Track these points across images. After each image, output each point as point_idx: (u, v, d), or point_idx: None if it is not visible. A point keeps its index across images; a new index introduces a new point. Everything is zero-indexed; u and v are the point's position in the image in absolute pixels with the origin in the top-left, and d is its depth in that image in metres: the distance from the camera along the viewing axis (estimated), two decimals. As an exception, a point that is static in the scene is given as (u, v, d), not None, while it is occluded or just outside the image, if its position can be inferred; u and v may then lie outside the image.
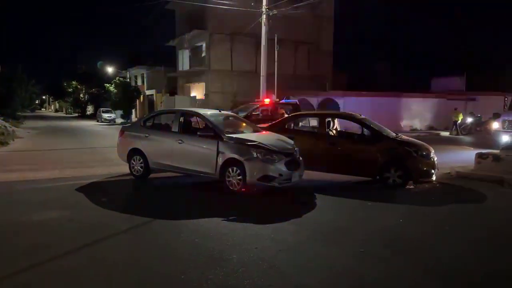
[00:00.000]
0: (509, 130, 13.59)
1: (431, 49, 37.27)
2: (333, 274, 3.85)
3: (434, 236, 5.08)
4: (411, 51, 39.71)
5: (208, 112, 8.44)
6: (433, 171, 7.89)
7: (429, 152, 8.00)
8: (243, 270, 3.83)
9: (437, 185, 8.11)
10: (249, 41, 29.76)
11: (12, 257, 4.15)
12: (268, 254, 4.25)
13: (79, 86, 54.85)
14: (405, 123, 25.30)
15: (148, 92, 40.34)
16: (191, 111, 8.63)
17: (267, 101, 14.24)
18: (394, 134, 8.55)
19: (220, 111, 8.75)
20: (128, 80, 41.66)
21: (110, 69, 40.86)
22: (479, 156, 9.08)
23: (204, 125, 8.20)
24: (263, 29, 19.14)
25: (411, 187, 7.87)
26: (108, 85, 36.56)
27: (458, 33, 36.48)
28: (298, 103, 13.84)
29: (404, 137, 8.66)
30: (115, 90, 36.32)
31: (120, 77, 39.37)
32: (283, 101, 14.56)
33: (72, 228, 5.11)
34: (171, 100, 31.70)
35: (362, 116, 8.86)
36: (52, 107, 77.79)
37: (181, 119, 8.16)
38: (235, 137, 7.32)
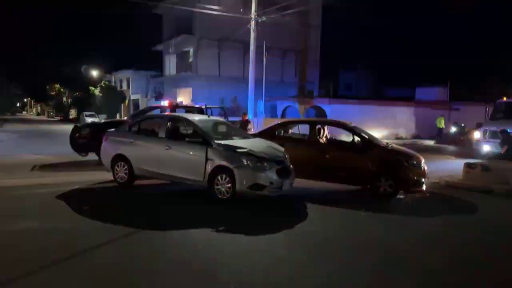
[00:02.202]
0: (490, 140, 13.71)
1: (415, 59, 37.98)
2: (325, 286, 3.67)
3: (428, 247, 4.97)
4: (396, 60, 40.38)
5: (196, 117, 8.21)
6: (423, 180, 7.83)
7: (420, 161, 7.95)
8: (239, 285, 3.61)
9: (427, 194, 8.06)
10: (237, 47, 29.73)
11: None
12: (261, 269, 4.04)
13: (62, 89, 53.67)
14: (390, 132, 25.53)
15: (133, 97, 39.76)
16: (179, 116, 8.38)
17: (165, 103, 13.17)
18: (384, 143, 8.48)
19: (209, 117, 8.53)
20: (113, 84, 40.98)
21: (95, 73, 40.12)
22: (468, 165, 9.11)
23: (192, 131, 7.96)
24: (252, 36, 19.08)
25: (402, 196, 7.79)
26: (93, 88, 35.84)
27: (442, 44, 37.33)
28: (204, 106, 12.97)
29: (395, 146, 8.60)
30: (101, 94, 35.64)
31: (105, 80, 38.68)
32: (203, 105, 13.52)
33: (51, 240, 4.79)
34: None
35: (353, 124, 8.78)
36: (34, 110, 75.92)
37: (169, 124, 7.90)
38: (225, 144, 7.10)
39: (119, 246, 4.68)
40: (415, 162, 7.85)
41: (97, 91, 36.59)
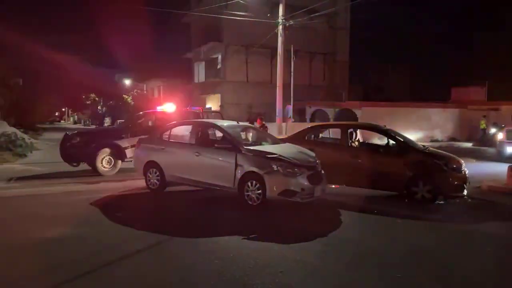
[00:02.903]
0: None
1: (451, 58, 36.50)
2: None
3: (477, 259, 4.63)
4: (431, 60, 38.96)
5: (225, 123, 8.19)
6: (464, 185, 7.40)
7: (460, 165, 7.53)
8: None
9: (469, 200, 7.60)
10: (264, 53, 29.71)
11: (29, 277, 3.90)
12: (295, 279, 3.89)
13: (97, 98, 55.80)
14: (425, 134, 24.58)
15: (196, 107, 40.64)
16: (208, 122, 8.40)
17: (161, 108, 12.49)
18: (421, 146, 8.10)
19: (238, 123, 8.49)
20: (145, 92, 42.16)
21: (127, 81, 41.46)
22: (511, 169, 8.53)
23: (221, 137, 7.94)
24: (279, 40, 18.97)
25: (441, 202, 7.38)
26: (126, 96, 37.02)
27: (479, 42, 35.64)
28: (200, 111, 12.89)
29: (433, 149, 8.20)
30: (133, 102, 36.75)
31: (137, 89, 39.87)
32: (188, 108, 13.69)
33: (86, 247, 4.87)
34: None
35: (387, 127, 8.46)
36: (71, 120, 79.43)
37: (198, 130, 7.94)
38: (254, 149, 7.02)
39: (152, 254, 4.67)
40: (454, 166, 7.44)
41: (129, 99, 37.73)
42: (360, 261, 4.47)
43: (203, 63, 34.11)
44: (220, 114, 16.41)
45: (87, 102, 58.85)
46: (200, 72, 35.12)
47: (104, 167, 10.20)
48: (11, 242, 5.02)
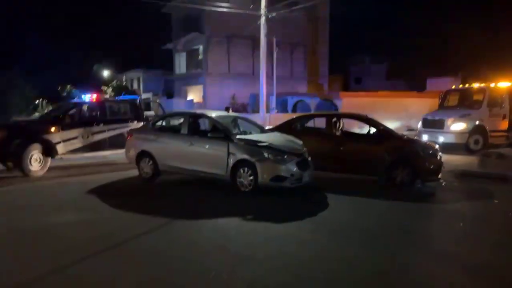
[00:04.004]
0: (427, 129, 13.52)
1: (426, 49, 37.70)
2: (358, 267, 3.95)
3: (449, 232, 5.20)
4: (405, 52, 40.11)
5: (215, 114, 8.49)
6: (439, 169, 8.02)
7: (436, 150, 8.14)
8: (270, 266, 3.93)
9: (444, 183, 8.25)
10: (246, 44, 29.91)
11: (37, 261, 4.18)
12: (292, 251, 4.35)
13: (73, 90, 54.51)
14: (402, 124, 25.53)
15: (144, 95, 40.27)
16: (200, 113, 8.69)
17: (88, 97, 11.10)
18: (400, 134, 8.67)
19: (228, 112, 8.81)
20: (124, 83, 41.53)
21: (106, 72, 40.71)
22: (484, 154, 9.25)
23: (211, 127, 8.23)
24: (262, 32, 19.23)
25: (418, 185, 7.98)
26: (105, 87, 36.40)
27: (453, 34, 36.92)
28: (138, 99, 11.87)
29: (410, 136, 8.78)
30: (113, 93, 36.20)
31: (116, 80, 39.22)
32: (121, 97, 12.39)
33: (91, 231, 5.14)
34: (169, 103, 31.66)
35: (369, 116, 8.98)
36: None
37: (190, 121, 8.22)
38: (246, 138, 7.39)
39: (158, 235, 5.00)
40: (430, 151, 8.03)
41: (109, 91, 37.13)
42: (345, 234, 4.96)
43: (184, 54, 33.95)
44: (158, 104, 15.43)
45: (63, 94, 57.44)
46: (181, 63, 34.94)
47: (32, 166, 8.80)
48: (17, 228, 5.23)
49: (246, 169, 7.07)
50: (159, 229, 5.15)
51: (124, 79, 43.86)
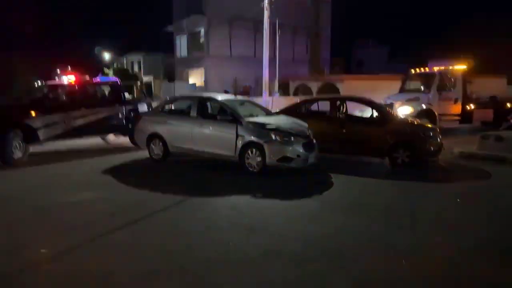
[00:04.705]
0: None
1: (426, 32, 37.47)
2: (362, 238, 4.30)
3: (448, 209, 5.55)
4: (409, 34, 39.87)
5: (223, 97, 8.74)
6: (439, 150, 8.34)
7: (436, 132, 8.43)
8: (282, 238, 4.29)
9: (443, 164, 8.58)
10: (248, 26, 29.79)
11: (61, 234, 4.51)
12: (300, 225, 4.71)
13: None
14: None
15: (145, 78, 40.28)
16: (208, 97, 8.92)
17: (67, 79, 10.36)
18: (402, 117, 8.94)
19: (235, 96, 9.05)
20: (125, 66, 41.49)
21: (107, 55, 40.60)
22: (482, 136, 9.54)
23: (218, 110, 8.46)
24: (265, 14, 19.23)
25: (419, 166, 8.30)
26: (106, 71, 36.41)
27: (452, 15, 36.60)
28: (117, 82, 11.09)
29: (412, 119, 9.05)
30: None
31: (117, 63, 39.17)
32: (98, 79, 11.67)
33: (110, 208, 5.45)
34: (170, 86, 31.78)
35: (371, 100, 9.24)
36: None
37: (198, 104, 8.47)
38: (254, 121, 7.67)
39: (174, 211, 5.35)
40: (431, 133, 8.33)
41: (110, 74, 37.12)
42: (352, 211, 5.30)
43: (185, 36, 33.80)
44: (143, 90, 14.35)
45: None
46: (182, 46, 34.82)
47: (13, 153, 8.33)
48: (37, 205, 5.56)
49: (254, 150, 7.38)
50: (175, 206, 5.50)
51: (125, 62, 43.78)
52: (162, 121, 8.60)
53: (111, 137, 11.19)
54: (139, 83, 39.78)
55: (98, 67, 42.63)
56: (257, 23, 22.37)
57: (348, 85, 24.86)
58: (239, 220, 4.86)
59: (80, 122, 9.59)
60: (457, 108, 13.86)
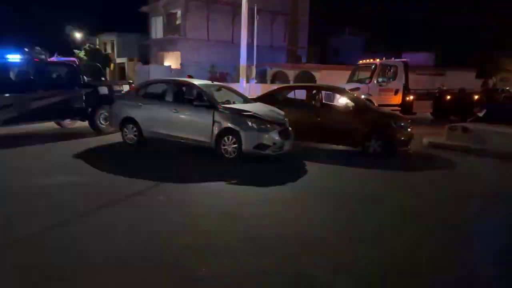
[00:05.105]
0: None
1: (402, 23, 38.14)
2: (336, 224, 4.45)
3: (415, 197, 5.80)
4: (382, 24, 40.43)
5: (200, 82, 8.64)
6: (409, 140, 8.64)
7: (407, 123, 8.72)
8: (258, 223, 4.37)
9: (413, 153, 8.90)
10: (226, 10, 29.36)
11: (34, 217, 4.41)
12: (274, 211, 4.80)
13: (43, 53, 51.92)
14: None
15: (119, 60, 39.07)
16: (185, 81, 8.79)
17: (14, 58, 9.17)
18: (375, 107, 9.17)
19: (212, 82, 8.96)
20: (97, 47, 40.00)
21: (78, 35, 38.97)
22: (449, 128, 9.94)
23: (195, 96, 8.39)
24: (244, -2, 18.95)
25: (390, 155, 8.57)
26: (78, 51, 34.99)
27: (431, 8, 37.39)
28: (76, 62, 10.62)
29: (384, 109, 9.30)
30: (85, 57, 34.89)
31: (89, 43, 37.69)
32: (53, 59, 11.00)
33: (82, 192, 5.37)
34: (145, 69, 30.98)
35: (346, 90, 9.39)
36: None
37: (174, 88, 8.34)
38: (230, 107, 7.64)
39: (146, 194, 5.32)
40: (402, 123, 8.60)
41: (81, 54, 35.74)
42: (322, 196, 5.46)
43: (161, 18, 32.91)
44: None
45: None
46: (158, 28, 33.91)
47: None
48: (10, 189, 5.38)
49: (230, 137, 7.38)
50: (149, 191, 5.45)
51: (97, 43, 42.18)
52: (136, 105, 8.41)
53: (66, 122, 10.77)
54: (112, 65, 38.60)
55: (69, 47, 40.92)
56: (236, 7, 22.07)
57: (325, 74, 25.12)
58: (214, 206, 4.89)
59: (36, 105, 8.86)
60: (397, 99, 14.52)
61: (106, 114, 10.07)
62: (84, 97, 9.92)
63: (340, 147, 9.05)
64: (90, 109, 9.99)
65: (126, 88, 10.91)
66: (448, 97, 15.58)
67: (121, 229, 4.15)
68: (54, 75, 10.05)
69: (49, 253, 3.58)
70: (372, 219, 4.69)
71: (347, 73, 24.89)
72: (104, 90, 10.41)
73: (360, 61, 15.81)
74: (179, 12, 30.93)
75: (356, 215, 4.81)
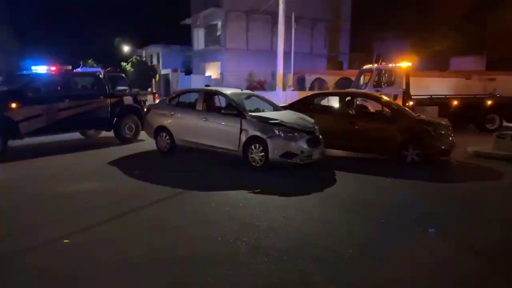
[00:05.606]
0: None
1: (450, 27, 36.23)
2: (355, 239, 4.18)
3: (451, 210, 5.34)
4: (429, 29, 38.62)
5: (229, 91, 8.69)
6: (450, 149, 8.06)
7: (448, 130, 8.15)
8: (273, 234, 4.23)
9: (455, 163, 8.28)
10: (265, 19, 29.53)
11: (65, 221, 4.61)
12: (295, 222, 4.61)
13: (95, 65, 55.50)
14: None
15: (163, 71, 40.65)
16: (214, 90, 8.90)
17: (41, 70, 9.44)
18: (414, 114, 8.68)
19: (241, 90, 9.00)
20: (144, 59, 41.96)
21: (126, 48, 41.18)
22: (497, 136, 9.15)
23: (226, 104, 8.46)
24: (281, 7, 18.99)
25: (429, 165, 8.04)
26: (124, 63, 36.93)
27: (479, 12, 35.21)
28: (101, 73, 10.48)
29: (423, 116, 8.78)
30: (132, 69, 36.73)
31: (136, 55, 39.66)
32: (79, 69, 10.92)
33: (112, 197, 5.56)
34: (187, 79, 31.96)
35: (382, 96, 8.99)
36: None
37: (205, 97, 8.45)
38: (258, 115, 7.59)
39: (171, 202, 5.39)
40: (442, 131, 8.05)
41: (128, 66, 37.64)
42: (350, 210, 5.18)
43: (203, 29, 33.84)
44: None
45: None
46: (199, 39, 34.87)
47: None
48: (43, 194, 5.69)
49: (257, 145, 7.31)
50: (171, 198, 5.52)
51: (143, 55, 44.27)
52: (168, 114, 8.63)
53: (91, 132, 11.02)
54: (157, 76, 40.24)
55: (116, 59, 43.32)
56: (275, 16, 22.03)
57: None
58: (232, 215, 4.82)
59: (65, 114, 9.08)
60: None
61: (131, 124, 10.43)
62: (109, 107, 10.11)
63: (375, 156, 8.63)
64: (115, 119, 10.21)
65: (150, 98, 11.20)
66: (455, 102, 14.19)
67: (136, 235, 4.20)
68: (80, 86, 10.37)
69: (67, 258, 3.69)
70: (397, 237, 4.37)
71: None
72: (129, 100, 10.59)
73: (364, 66, 15.24)
74: (219, 23, 31.62)
75: (382, 233, 4.49)
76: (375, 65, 14.26)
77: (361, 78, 14.88)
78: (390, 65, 14.00)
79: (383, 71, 13.73)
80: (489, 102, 13.89)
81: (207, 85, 12.32)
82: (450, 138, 8.11)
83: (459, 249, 4.02)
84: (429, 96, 14.65)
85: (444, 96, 14.90)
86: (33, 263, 3.60)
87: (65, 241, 4.03)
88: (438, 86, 22.44)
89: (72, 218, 4.73)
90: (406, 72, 13.69)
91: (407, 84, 13.68)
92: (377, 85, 13.48)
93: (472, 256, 3.88)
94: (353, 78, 24.68)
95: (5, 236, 4.19)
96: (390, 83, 13.55)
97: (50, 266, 3.52)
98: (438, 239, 4.29)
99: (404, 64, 13.63)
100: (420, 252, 3.94)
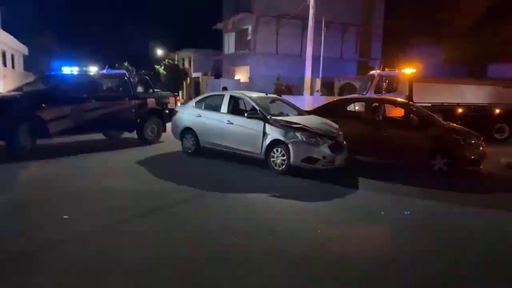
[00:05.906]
0: None
1: (488, 32, 34.71)
2: (372, 247, 4.13)
3: (476, 222, 5.14)
4: (465, 35, 37.18)
5: (254, 94, 8.78)
6: (481, 160, 7.74)
7: (478, 140, 7.84)
8: (289, 239, 4.25)
9: (485, 174, 7.95)
10: (295, 24, 29.55)
11: (94, 217, 4.85)
12: (309, 227, 4.61)
13: (130, 68, 57.47)
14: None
15: (194, 75, 41.48)
16: (239, 93, 9.03)
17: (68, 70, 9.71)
18: (443, 122, 8.42)
19: (266, 94, 9.07)
20: (176, 62, 43.03)
21: (159, 51, 42.41)
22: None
23: (250, 107, 8.55)
24: (311, 12, 18.96)
25: (457, 175, 7.76)
26: (157, 66, 38.06)
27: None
28: (126, 74, 10.56)
29: (453, 124, 8.50)
30: (164, 72, 37.77)
31: (169, 59, 40.76)
32: (104, 71, 10.89)
33: (136, 195, 5.77)
34: (216, 83, 32.45)
35: (410, 102, 8.78)
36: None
37: (230, 101, 8.59)
38: (281, 119, 7.63)
39: (193, 203, 5.53)
40: (472, 141, 7.76)
41: (161, 69, 38.75)
42: (369, 218, 5.11)
43: (234, 34, 34.32)
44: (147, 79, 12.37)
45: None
46: (230, 43, 35.39)
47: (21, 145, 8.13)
48: (74, 191, 6.00)
49: (279, 149, 7.35)
50: (192, 199, 5.66)
51: (176, 58, 45.40)
52: (195, 116, 8.84)
53: (114, 132, 11.27)
54: (188, 79, 41.13)
55: (150, 62, 44.68)
56: (304, 20, 22.05)
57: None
58: (249, 218, 4.88)
59: (91, 115, 9.24)
60: (397, 112, 12.87)
61: (153, 126, 10.73)
62: (134, 108, 10.32)
63: (401, 164, 8.43)
64: (139, 120, 10.44)
65: (172, 100, 11.46)
66: (460, 110, 13.49)
67: (151, 236, 4.34)
68: (106, 87, 10.63)
69: (86, 254, 3.88)
70: (416, 250, 4.26)
71: (423, 85, 23.38)
72: (152, 102, 10.79)
73: (370, 72, 14.90)
74: (249, 28, 31.94)
75: (402, 245, 4.40)
76: (378, 71, 14.02)
77: (368, 84, 14.63)
78: (393, 71, 13.66)
79: (384, 77, 13.43)
80: (497, 111, 13.24)
81: (224, 88, 12.44)
82: (481, 148, 7.80)
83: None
84: (430, 104, 14.10)
85: (448, 104, 14.29)
86: (65, 254, 3.80)
87: (97, 234, 4.24)
88: (471, 94, 21.66)
89: (101, 214, 4.95)
90: (410, 78, 13.27)
91: (410, 91, 13.26)
92: (378, 91, 13.20)
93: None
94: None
95: (37, 229, 4.45)
96: (392, 89, 13.20)
97: (82, 258, 3.71)
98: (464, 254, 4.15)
99: (408, 70, 13.24)
100: (439, 265, 3.83)
